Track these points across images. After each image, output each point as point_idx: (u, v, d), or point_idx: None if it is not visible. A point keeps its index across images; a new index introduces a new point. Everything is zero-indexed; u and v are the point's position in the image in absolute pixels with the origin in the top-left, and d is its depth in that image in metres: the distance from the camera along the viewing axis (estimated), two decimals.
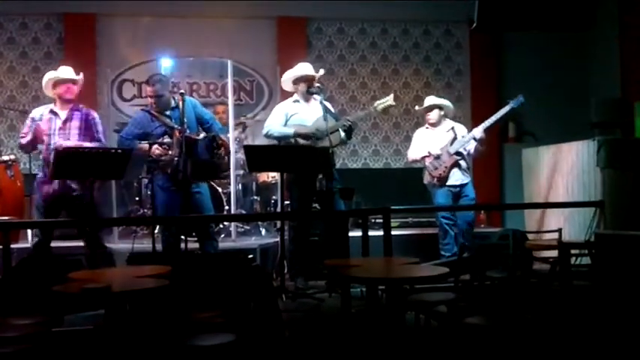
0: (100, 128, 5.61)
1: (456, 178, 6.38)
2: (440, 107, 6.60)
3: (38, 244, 5.41)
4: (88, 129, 5.50)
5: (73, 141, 5.39)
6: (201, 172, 5.35)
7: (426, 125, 6.68)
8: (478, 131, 6.37)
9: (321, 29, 8.85)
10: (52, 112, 5.48)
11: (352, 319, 4.13)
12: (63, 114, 5.46)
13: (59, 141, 5.38)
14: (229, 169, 6.66)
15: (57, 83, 5.50)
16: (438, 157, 6.40)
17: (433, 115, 6.58)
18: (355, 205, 6.75)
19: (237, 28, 8.51)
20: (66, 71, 5.55)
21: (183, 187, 5.27)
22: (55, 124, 5.43)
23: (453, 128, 6.53)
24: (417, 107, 6.93)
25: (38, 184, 5.48)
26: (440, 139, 6.49)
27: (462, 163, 6.42)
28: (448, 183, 6.36)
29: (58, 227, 5.84)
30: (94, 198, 5.34)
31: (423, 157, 6.51)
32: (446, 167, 6.34)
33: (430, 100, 6.68)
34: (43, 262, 4.73)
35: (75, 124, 5.46)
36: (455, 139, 6.42)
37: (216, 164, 5.53)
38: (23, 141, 5.50)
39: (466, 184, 6.41)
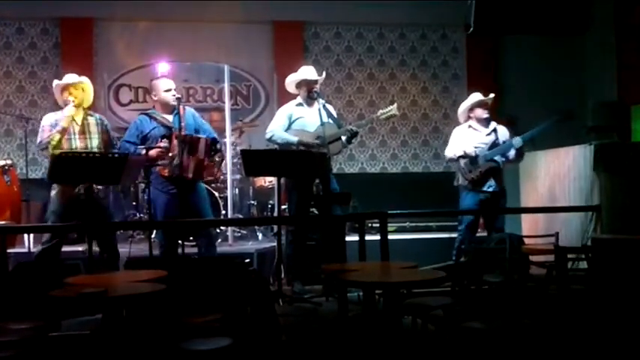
0: (111, 133, 5.64)
1: (490, 184, 6.17)
2: (488, 105, 6.32)
3: (49, 247, 5.25)
4: (104, 133, 5.51)
5: (95, 145, 5.39)
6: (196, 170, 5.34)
7: (469, 124, 6.37)
8: (518, 141, 6.14)
9: (317, 33, 8.86)
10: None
11: (349, 323, 4.13)
12: (79, 118, 5.42)
13: (80, 145, 5.35)
14: (217, 179, 6.75)
15: (65, 89, 5.46)
16: (474, 161, 6.19)
17: (483, 112, 6.26)
18: (352, 210, 6.76)
19: (234, 32, 8.53)
20: (72, 77, 5.50)
21: (183, 189, 5.27)
22: (73, 129, 5.38)
23: (495, 130, 6.33)
24: (466, 103, 6.40)
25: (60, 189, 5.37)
26: (480, 140, 6.28)
27: (498, 169, 6.21)
28: (481, 188, 6.17)
29: (63, 232, 5.78)
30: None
31: (460, 157, 6.25)
32: (480, 172, 6.15)
33: (477, 96, 6.34)
34: (41, 266, 4.72)
35: (93, 128, 5.45)
36: (495, 143, 6.25)
37: (206, 167, 5.51)
38: (46, 141, 5.29)
39: (499, 191, 6.21)
